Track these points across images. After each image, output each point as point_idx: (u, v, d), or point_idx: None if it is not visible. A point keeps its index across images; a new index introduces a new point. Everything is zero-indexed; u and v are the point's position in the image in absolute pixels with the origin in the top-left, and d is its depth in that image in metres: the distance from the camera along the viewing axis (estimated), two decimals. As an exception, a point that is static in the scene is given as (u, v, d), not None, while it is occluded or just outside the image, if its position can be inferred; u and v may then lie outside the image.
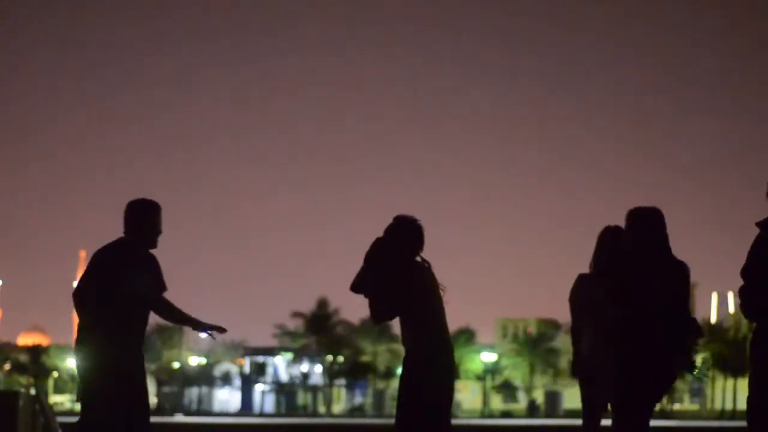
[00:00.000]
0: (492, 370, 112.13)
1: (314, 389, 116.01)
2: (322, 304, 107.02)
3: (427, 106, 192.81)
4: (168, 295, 8.70)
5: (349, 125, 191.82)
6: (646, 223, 7.74)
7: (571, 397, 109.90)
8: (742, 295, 7.08)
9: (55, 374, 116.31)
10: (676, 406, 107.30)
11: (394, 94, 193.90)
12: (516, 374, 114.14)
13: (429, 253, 8.16)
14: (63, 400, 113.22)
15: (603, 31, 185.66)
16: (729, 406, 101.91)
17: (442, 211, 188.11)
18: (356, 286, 8.22)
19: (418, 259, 8.28)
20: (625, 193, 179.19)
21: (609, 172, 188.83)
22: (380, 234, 8.26)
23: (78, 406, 8.73)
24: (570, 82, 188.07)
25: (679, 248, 7.72)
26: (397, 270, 8.17)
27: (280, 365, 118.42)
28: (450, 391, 8.12)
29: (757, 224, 7.13)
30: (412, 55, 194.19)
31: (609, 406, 8.23)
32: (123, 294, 8.19)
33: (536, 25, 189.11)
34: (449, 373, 8.11)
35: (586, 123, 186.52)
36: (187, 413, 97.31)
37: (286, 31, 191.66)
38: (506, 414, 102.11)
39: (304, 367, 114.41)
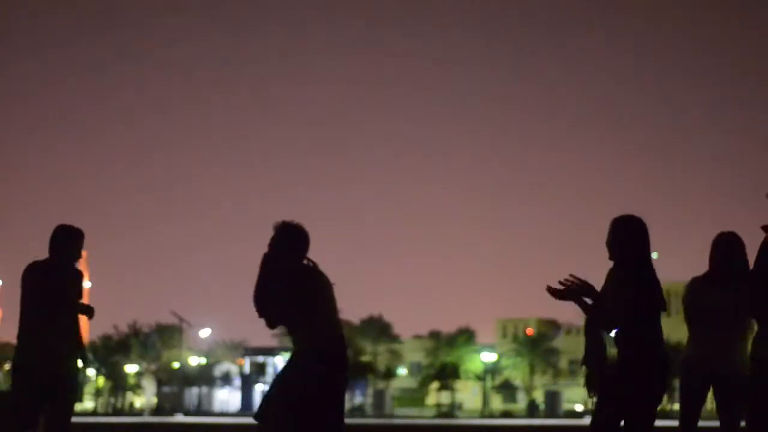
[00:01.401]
0: (492, 370, 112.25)
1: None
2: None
3: (429, 107, 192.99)
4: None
5: (351, 125, 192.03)
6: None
7: (571, 397, 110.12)
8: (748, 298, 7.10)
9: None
10: (676, 406, 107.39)
11: (400, 94, 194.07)
12: (516, 374, 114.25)
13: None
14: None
15: (608, 30, 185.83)
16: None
17: (443, 212, 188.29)
18: (257, 299, 8.40)
19: (305, 261, 8.44)
20: (626, 192, 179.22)
21: (610, 172, 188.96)
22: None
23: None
24: (574, 83, 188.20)
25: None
26: (286, 276, 8.33)
27: (280, 365, 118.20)
28: (343, 386, 8.25)
29: (763, 228, 7.04)
30: (419, 56, 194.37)
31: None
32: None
33: (540, 24, 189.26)
34: (343, 368, 8.26)
35: (589, 124, 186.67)
36: (187, 413, 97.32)
37: (287, 30, 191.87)
38: (506, 414, 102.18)
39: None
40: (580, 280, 7.42)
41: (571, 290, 7.41)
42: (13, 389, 9.51)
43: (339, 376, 8.24)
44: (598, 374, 7.47)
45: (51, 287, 9.59)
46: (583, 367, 7.57)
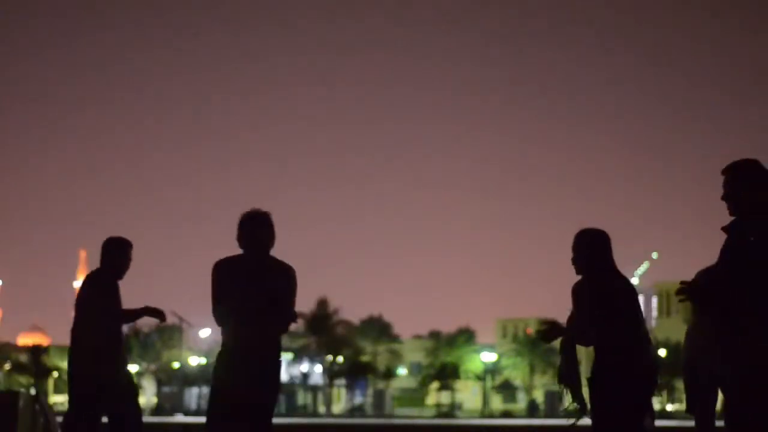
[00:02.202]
0: (492, 370, 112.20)
1: (314, 389, 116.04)
2: (322, 304, 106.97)
3: (429, 107, 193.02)
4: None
5: (350, 125, 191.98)
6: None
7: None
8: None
9: (56, 374, 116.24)
10: (676, 406, 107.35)
11: (400, 94, 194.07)
12: (516, 374, 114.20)
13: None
14: (63, 400, 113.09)
15: (608, 30, 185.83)
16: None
17: (443, 212, 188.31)
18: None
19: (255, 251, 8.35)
20: (626, 192, 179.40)
21: (610, 172, 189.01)
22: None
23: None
24: (574, 83, 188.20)
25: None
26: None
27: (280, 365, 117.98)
28: (276, 386, 8.35)
29: (723, 229, 6.98)
30: (419, 56, 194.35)
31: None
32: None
33: (540, 24, 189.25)
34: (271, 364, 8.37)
35: (588, 125, 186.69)
36: (187, 413, 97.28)
37: (287, 30, 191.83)
38: (506, 414, 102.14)
39: (304, 367, 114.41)
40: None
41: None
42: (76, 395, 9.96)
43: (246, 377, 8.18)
44: (577, 390, 7.63)
45: (98, 301, 9.79)
46: (561, 386, 7.75)
